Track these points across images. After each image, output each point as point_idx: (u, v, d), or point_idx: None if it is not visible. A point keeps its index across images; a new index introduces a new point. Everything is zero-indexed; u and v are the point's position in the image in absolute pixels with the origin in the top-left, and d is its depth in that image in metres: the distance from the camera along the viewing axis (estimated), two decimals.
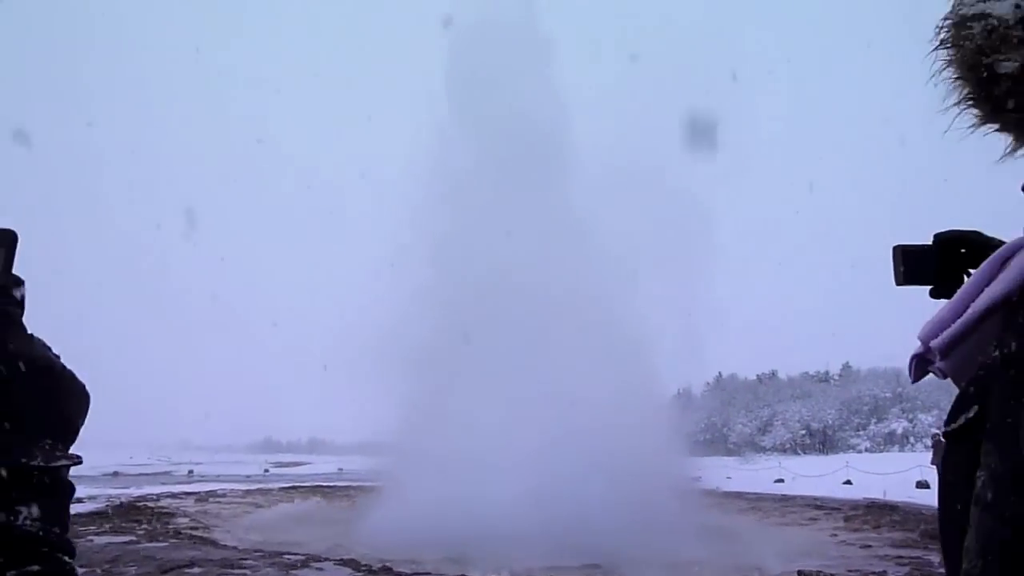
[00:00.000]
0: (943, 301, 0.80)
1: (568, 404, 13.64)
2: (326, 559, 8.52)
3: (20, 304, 0.75)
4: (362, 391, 17.17)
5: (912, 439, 56.64)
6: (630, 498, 12.69)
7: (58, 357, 0.78)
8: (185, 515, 14.61)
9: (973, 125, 0.68)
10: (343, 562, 8.33)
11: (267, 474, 37.03)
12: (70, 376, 0.79)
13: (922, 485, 20.07)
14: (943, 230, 0.93)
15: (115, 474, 35.67)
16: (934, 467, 22.33)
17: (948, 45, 0.68)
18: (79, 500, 16.04)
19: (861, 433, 59.47)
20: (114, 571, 7.41)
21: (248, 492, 22.18)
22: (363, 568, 7.89)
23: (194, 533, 11.56)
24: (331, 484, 24.36)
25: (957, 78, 0.68)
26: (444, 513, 12.81)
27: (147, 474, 37.05)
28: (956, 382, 0.77)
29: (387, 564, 8.26)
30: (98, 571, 7.40)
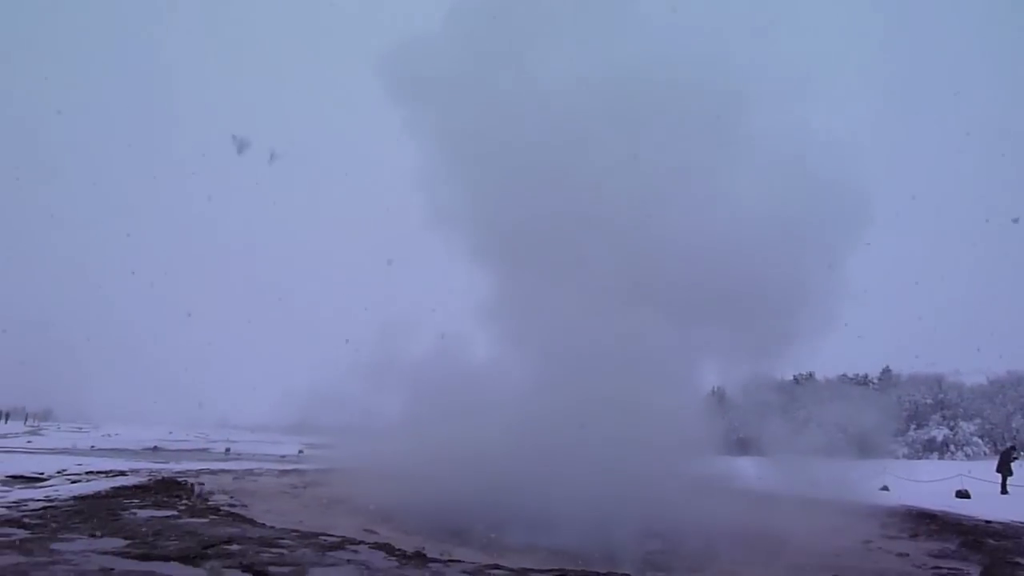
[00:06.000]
0: None
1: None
2: (360, 542, 8.69)
3: None
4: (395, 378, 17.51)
5: (952, 447, 55.33)
6: (654, 494, 12.66)
7: None
8: (224, 492, 14.97)
9: None
10: (377, 546, 8.47)
11: (301, 455, 37.66)
12: None
13: (962, 495, 19.66)
14: None
15: (155, 449, 36.73)
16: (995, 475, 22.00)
17: None
18: (122, 473, 16.55)
19: (899, 439, 58.25)
20: (158, 544, 7.64)
21: (283, 472, 22.64)
22: (397, 552, 8.01)
23: (232, 511, 11.85)
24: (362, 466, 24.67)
25: None
26: (473, 497, 13.01)
27: (186, 450, 38.01)
28: None
29: (420, 550, 8.38)
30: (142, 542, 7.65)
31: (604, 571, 7.44)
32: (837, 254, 16.28)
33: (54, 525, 8.70)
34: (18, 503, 10.81)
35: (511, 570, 7.25)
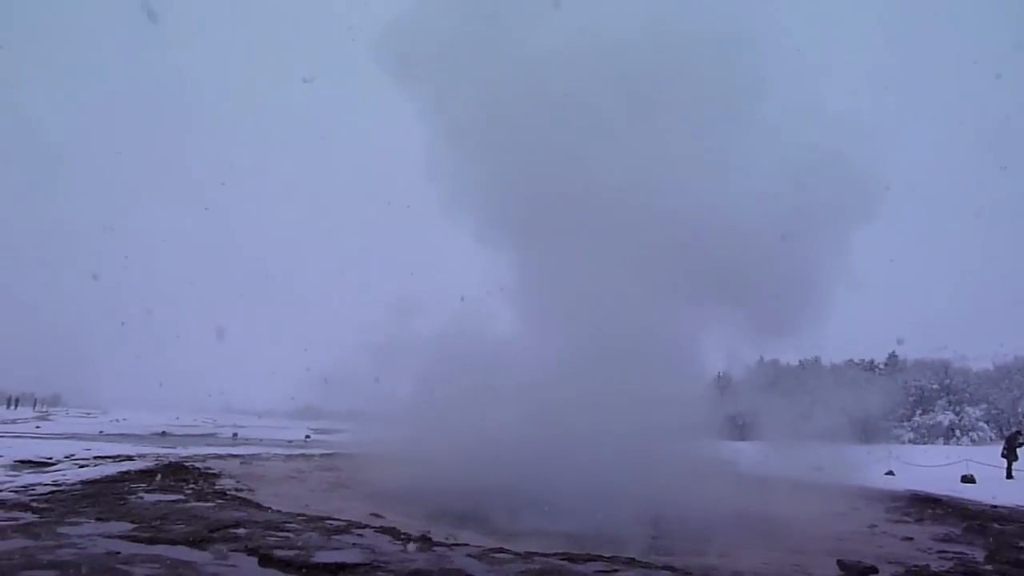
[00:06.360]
0: None
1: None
2: (366, 526, 8.72)
3: None
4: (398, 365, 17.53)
5: (958, 432, 55.29)
6: (660, 479, 12.67)
7: None
8: (231, 476, 15.05)
9: None
10: (383, 530, 8.51)
11: (308, 440, 37.84)
12: None
13: (967, 479, 19.64)
14: None
15: (163, 434, 36.94)
16: (1002, 460, 21.97)
17: None
18: (129, 458, 16.64)
19: (905, 424, 58.25)
20: (164, 527, 7.68)
21: (290, 457, 22.76)
22: (402, 536, 8.04)
23: (239, 495, 11.91)
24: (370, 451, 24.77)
25: None
26: (480, 482, 13.04)
27: (193, 435, 38.21)
28: None
29: (425, 534, 8.41)
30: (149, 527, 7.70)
31: (609, 555, 7.45)
32: (847, 236, 16.18)
33: (61, 509, 8.77)
34: (26, 487, 10.89)
35: (516, 553, 7.26)
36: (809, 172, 15.16)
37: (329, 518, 9.27)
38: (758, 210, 14.77)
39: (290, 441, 35.39)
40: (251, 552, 6.59)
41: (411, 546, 7.35)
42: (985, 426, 55.43)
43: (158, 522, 8.05)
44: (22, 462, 14.85)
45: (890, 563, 8.03)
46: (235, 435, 39.86)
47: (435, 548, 7.41)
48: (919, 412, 58.99)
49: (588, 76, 15.31)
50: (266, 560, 6.31)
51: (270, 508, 10.20)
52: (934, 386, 60.01)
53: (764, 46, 16.04)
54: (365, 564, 6.28)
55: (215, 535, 7.36)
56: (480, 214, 17.02)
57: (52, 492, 10.46)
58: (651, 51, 15.23)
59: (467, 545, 7.80)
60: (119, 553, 6.18)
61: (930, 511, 13.86)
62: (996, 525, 11.52)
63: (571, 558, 7.18)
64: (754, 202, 14.88)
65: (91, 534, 7.06)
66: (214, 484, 13.41)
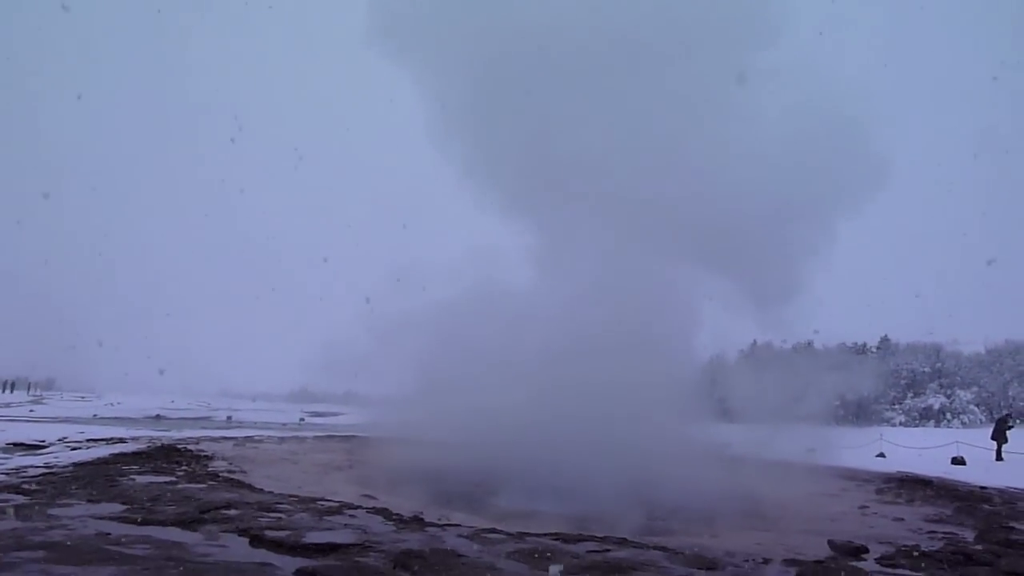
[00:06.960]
0: None
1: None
2: (359, 507, 8.71)
3: None
4: (393, 347, 17.45)
5: (949, 415, 55.68)
6: (654, 463, 12.69)
7: None
8: (223, 459, 15.03)
9: None
10: (375, 510, 8.50)
11: (302, 423, 37.88)
12: None
13: (958, 461, 19.78)
14: None
15: (158, 417, 36.95)
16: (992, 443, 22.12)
17: None
18: (122, 440, 16.61)
19: (897, 407, 58.62)
20: (155, 509, 7.66)
21: (283, 439, 22.77)
22: (394, 517, 8.04)
23: (231, 476, 11.90)
24: (363, 435, 24.81)
25: None
26: (469, 462, 13.07)
27: (188, 418, 38.21)
28: None
29: (418, 514, 8.41)
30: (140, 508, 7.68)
31: (601, 535, 7.46)
32: (843, 212, 16.12)
33: (53, 491, 8.73)
34: (17, 470, 10.85)
35: (508, 534, 7.26)
36: (809, 146, 14.98)
37: (321, 499, 9.26)
38: (755, 185, 14.64)
39: (284, 424, 35.44)
40: (242, 533, 6.57)
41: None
42: (976, 409, 55.84)
43: (149, 503, 8.03)
44: (14, 444, 14.82)
45: (881, 543, 8.06)
46: (229, 418, 39.94)
47: (427, 528, 7.41)
48: (910, 395, 59.37)
49: (581, 35, 14.98)
50: (257, 540, 6.29)
51: (262, 489, 10.19)
52: (926, 369, 60.36)
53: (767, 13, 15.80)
54: (356, 544, 6.27)
55: (206, 516, 7.34)
56: (477, 187, 16.85)
57: (44, 474, 10.42)
58: (650, 16, 14.92)
59: (459, 526, 7.80)
60: (109, 534, 6.15)
61: (921, 492, 13.94)
62: (986, 506, 11.60)
63: (563, 538, 7.19)
64: (751, 175, 14.73)
65: (82, 515, 7.03)
66: (206, 466, 13.40)
